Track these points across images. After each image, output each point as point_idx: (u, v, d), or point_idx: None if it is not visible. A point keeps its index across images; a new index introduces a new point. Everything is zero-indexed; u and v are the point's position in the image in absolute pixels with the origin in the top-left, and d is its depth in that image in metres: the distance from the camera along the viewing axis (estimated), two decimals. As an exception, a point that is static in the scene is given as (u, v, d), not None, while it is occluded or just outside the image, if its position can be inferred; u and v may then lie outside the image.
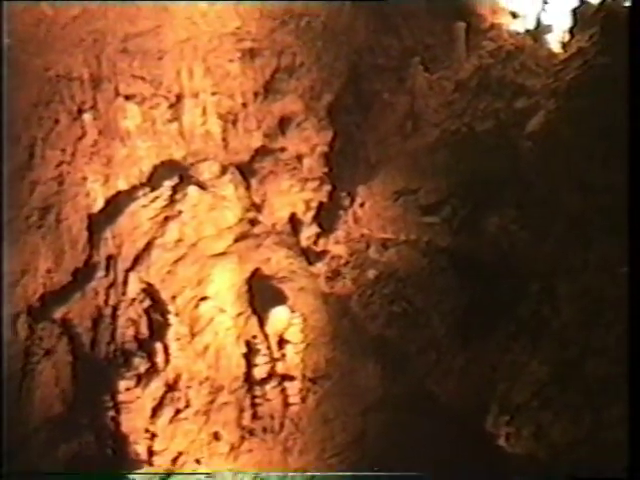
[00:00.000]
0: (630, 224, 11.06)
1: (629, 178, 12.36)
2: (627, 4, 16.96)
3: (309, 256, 18.14)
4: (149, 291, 17.56)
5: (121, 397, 16.70)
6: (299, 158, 18.76)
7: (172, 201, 17.71)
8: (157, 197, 17.70)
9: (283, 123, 18.78)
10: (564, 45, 17.53)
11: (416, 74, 18.19)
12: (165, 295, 17.39)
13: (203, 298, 17.51)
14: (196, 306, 17.47)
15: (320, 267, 17.89)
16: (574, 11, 17.38)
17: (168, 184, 17.80)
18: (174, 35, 17.73)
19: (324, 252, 18.07)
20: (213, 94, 18.27)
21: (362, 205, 17.74)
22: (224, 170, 18.27)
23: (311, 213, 18.60)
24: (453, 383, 15.44)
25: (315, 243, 18.25)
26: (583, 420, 12.40)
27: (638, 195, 11.67)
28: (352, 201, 18.05)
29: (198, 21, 17.77)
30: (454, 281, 15.92)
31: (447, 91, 17.92)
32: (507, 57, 17.89)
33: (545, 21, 18.74)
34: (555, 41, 18.20)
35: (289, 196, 18.48)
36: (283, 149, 18.76)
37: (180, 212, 17.70)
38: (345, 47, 18.92)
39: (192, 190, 17.72)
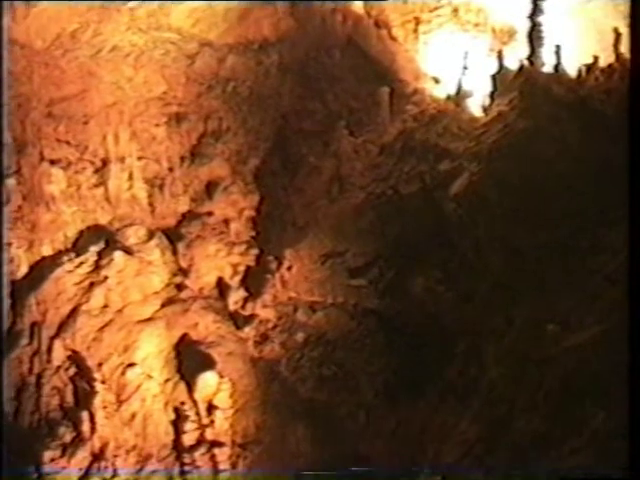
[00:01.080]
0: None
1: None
2: (545, 69, 17.85)
3: (237, 320, 18.18)
4: (74, 358, 17.35)
5: (46, 468, 16.38)
6: (226, 222, 18.92)
7: (98, 266, 17.67)
8: (82, 263, 17.65)
9: (210, 187, 18.98)
10: (485, 109, 18.19)
11: (341, 138, 18.60)
12: (91, 362, 17.21)
13: (130, 365, 17.40)
14: (123, 373, 17.32)
15: (248, 331, 17.93)
16: (494, 76, 18.12)
17: (94, 249, 17.79)
18: (100, 100, 17.89)
19: (252, 316, 18.11)
20: (139, 158, 18.42)
21: (290, 268, 17.89)
22: (151, 235, 18.33)
23: (238, 277, 18.68)
24: (383, 445, 15.53)
25: (243, 307, 18.30)
26: (513, 478, 12.60)
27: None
28: (279, 264, 18.14)
29: (124, 86, 17.98)
30: (382, 343, 16.13)
31: (372, 154, 18.33)
32: (430, 121, 18.42)
33: (466, 86, 19.38)
34: (476, 105, 18.81)
35: (216, 260, 18.57)
36: (210, 213, 18.91)
37: (106, 278, 17.65)
38: (271, 111, 19.27)
39: (118, 255, 17.73)
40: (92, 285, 17.57)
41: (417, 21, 20.89)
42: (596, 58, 17.90)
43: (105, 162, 18.23)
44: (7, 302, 17.38)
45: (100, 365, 17.26)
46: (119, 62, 17.78)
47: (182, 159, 18.86)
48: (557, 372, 12.02)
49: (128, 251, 17.98)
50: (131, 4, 17.72)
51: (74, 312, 17.50)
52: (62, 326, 17.41)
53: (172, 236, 18.62)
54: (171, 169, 18.76)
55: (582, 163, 14.99)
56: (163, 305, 17.93)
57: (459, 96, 19.29)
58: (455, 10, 20.96)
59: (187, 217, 18.88)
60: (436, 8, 20.81)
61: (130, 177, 18.33)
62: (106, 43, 17.54)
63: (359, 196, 17.89)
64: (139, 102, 18.30)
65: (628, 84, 14.64)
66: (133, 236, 18.21)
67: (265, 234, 19.02)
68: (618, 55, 17.90)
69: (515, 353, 13.55)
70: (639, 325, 10.05)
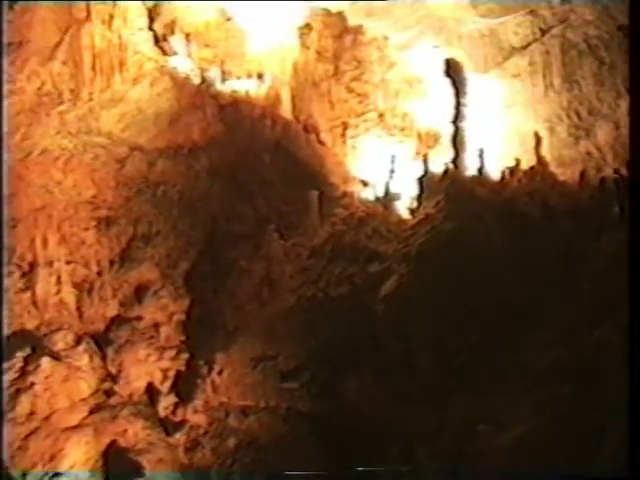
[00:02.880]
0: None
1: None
2: (469, 172, 18.61)
3: (167, 426, 17.96)
4: (-3, 469, 17.00)
5: None
6: (156, 326, 18.89)
7: (24, 373, 17.41)
8: (8, 369, 17.41)
9: (139, 291, 19.01)
10: (412, 212, 18.79)
11: (271, 241, 18.92)
12: (15, 472, 16.87)
13: (56, 474, 17.06)
14: (48, 483, 17.01)
15: (179, 437, 17.73)
16: (420, 179, 18.80)
17: (20, 355, 17.53)
18: (28, 203, 17.97)
19: (183, 422, 17.92)
20: (68, 262, 18.40)
21: (220, 373, 17.88)
22: (79, 340, 18.16)
23: (169, 382, 18.54)
24: None
25: (173, 413, 18.12)
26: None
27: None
28: (210, 369, 18.08)
29: (53, 189, 18.12)
30: (316, 447, 16.15)
31: (302, 257, 18.66)
32: (359, 223, 18.88)
33: (394, 189, 20.03)
34: (404, 208, 19.42)
35: (146, 365, 18.45)
36: (139, 318, 18.86)
37: (32, 384, 17.41)
38: (201, 215, 19.55)
39: (45, 361, 17.52)
40: (18, 392, 17.27)
41: (345, 126, 21.68)
42: (518, 161, 18.79)
43: (33, 266, 18.21)
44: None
45: (24, 475, 16.85)
46: (48, 165, 17.98)
47: (111, 263, 18.92)
48: (491, 470, 12.29)
49: (56, 357, 17.77)
50: (60, 108, 18.06)
51: (-1, 420, 17.20)
52: (-15, 436, 17.07)
53: (101, 341, 18.50)
54: (100, 273, 18.79)
55: (508, 262, 15.58)
56: (91, 412, 17.65)
57: (387, 199, 19.90)
58: (381, 115, 21.83)
59: (116, 322, 18.79)
60: (363, 113, 21.62)
61: (58, 281, 18.28)
62: (36, 146, 17.77)
63: (289, 299, 18.10)
64: (68, 206, 18.44)
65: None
66: (61, 341, 18.04)
67: (195, 338, 18.98)
68: (539, 158, 18.86)
69: (448, 454, 13.78)
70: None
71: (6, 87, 17.07)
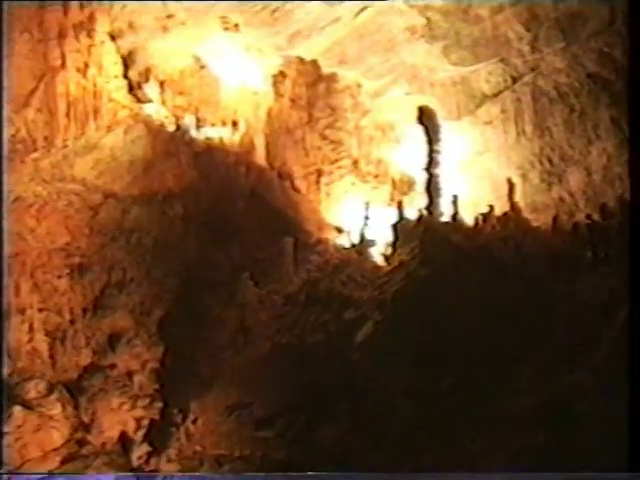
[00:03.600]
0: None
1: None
2: (443, 219, 18.81)
3: (141, 476, 17.86)
4: (-34, 526, 16.74)
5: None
6: (129, 375, 18.81)
7: (-5, 422, 17.34)
8: (-21, 419, 17.32)
9: (113, 339, 18.96)
10: (387, 258, 18.92)
11: (246, 288, 18.99)
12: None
13: (49, 478, 16.93)
14: (17, 536, 16.78)
15: (152, 487, 17.65)
16: (394, 226, 18.96)
17: (-10, 404, 17.49)
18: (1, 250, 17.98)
19: (156, 471, 17.83)
20: (40, 310, 18.36)
21: (195, 421, 17.78)
22: (51, 388, 18.05)
23: (142, 431, 18.41)
24: None
25: (147, 462, 17.98)
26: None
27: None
28: (184, 418, 17.98)
29: (27, 236, 18.11)
30: (290, 495, 16.08)
31: (277, 304, 18.71)
32: (334, 270, 19.01)
33: (368, 235, 20.18)
34: (379, 254, 19.55)
35: (119, 414, 18.33)
36: (113, 366, 18.79)
37: (4, 434, 17.27)
38: (175, 262, 19.60)
39: (17, 410, 17.41)
40: (-11, 441, 17.18)
41: (319, 173, 21.92)
42: (492, 207, 18.99)
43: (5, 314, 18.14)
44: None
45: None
46: (22, 212, 17.99)
47: (84, 310, 18.87)
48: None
49: (27, 406, 17.64)
50: (34, 155, 18.11)
51: (-34, 472, 16.99)
52: (-48, 488, 16.85)
53: (73, 390, 18.37)
54: (73, 321, 18.72)
55: (482, 308, 15.67)
56: (63, 462, 17.51)
57: (362, 245, 20.10)
58: (355, 162, 22.11)
59: (89, 370, 18.69)
60: (337, 160, 21.87)
61: (31, 329, 18.19)
62: (9, 194, 17.75)
63: (264, 346, 18.08)
64: (42, 253, 18.42)
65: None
66: (33, 390, 17.90)
67: (169, 386, 18.92)
68: (512, 204, 19.08)
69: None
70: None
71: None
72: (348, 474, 14.67)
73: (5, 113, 17.14)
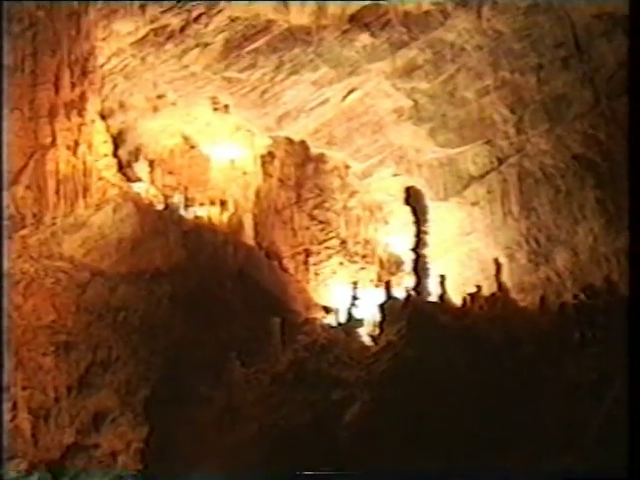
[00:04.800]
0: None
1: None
2: (431, 299, 18.91)
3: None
4: None
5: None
6: (113, 455, 18.54)
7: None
8: (-43, 498, 16.98)
9: (97, 418, 18.71)
10: (375, 338, 18.94)
11: (233, 368, 18.87)
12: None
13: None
14: None
15: None
16: (382, 306, 19.03)
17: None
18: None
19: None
20: (24, 388, 18.13)
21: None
22: (32, 468, 17.79)
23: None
24: None
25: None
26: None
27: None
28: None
29: (12, 314, 17.95)
30: None
31: (264, 384, 18.58)
32: (322, 350, 18.97)
33: (356, 315, 20.23)
34: (366, 334, 19.57)
35: (101, 492, 18.13)
36: (97, 445, 18.50)
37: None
38: (162, 341, 19.49)
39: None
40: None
41: (307, 253, 22.06)
42: (479, 287, 19.13)
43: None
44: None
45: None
46: (8, 289, 17.90)
47: (69, 389, 18.66)
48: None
49: (9, 487, 17.42)
50: (22, 232, 18.17)
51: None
52: None
53: (55, 470, 18.10)
54: (57, 399, 18.48)
55: (470, 388, 15.67)
56: None
57: (349, 325, 20.14)
58: (343, 242, 22.26)
59: (72, 449, 18.43)
60: (325, 240, 22.03)
61: (14, 407, 17.96)
62: (-5, 271, 17.80)
63: (251, 427, 17.88)
64: (27, 330, 18.30)
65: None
66: (13, 470, 17.62)
67: (154, 467, 18.65)
68: (500, 284, 19.23)
69: None
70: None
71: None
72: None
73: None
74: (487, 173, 20.61)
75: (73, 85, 18.49)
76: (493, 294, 19.09)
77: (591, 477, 11.79)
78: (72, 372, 18.81)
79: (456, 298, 19.30)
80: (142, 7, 18.27)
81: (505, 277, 19.83)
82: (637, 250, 12.25)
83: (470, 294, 19.05)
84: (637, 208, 12.87)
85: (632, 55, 15.45)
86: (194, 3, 18.38)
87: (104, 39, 18.98)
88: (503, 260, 20.23)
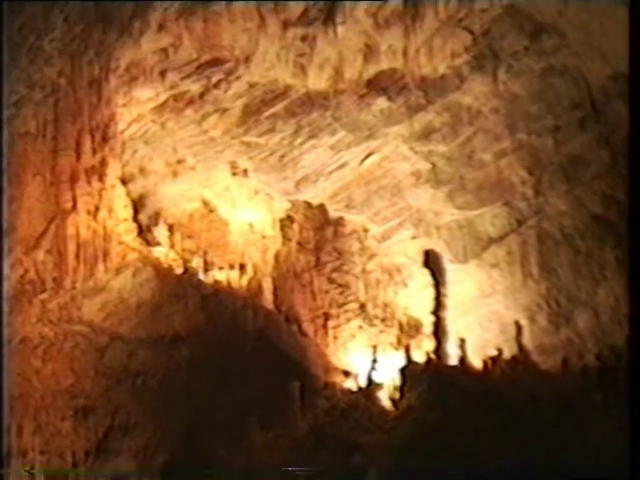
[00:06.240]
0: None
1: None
2: (451, 362, 18.77)
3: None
4: None
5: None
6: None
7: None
8: None
9: (115, 482, 18.66)
10: (395, 402, 18.81)
11: (252, 432, 18.74)
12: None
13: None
14: None
15: None
16: (402, 370, 18.92)
17: None
18: (5, 391, 17.76)
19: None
20: (42, 453, 18.03)
21: None
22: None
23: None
24: None
25: None
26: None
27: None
28: None
29: (31, 377, 17.88)
30: None
31: (283, 449, 18.46)
32: (341, 415, 18.88)
33: (376, 379, 20.09)
34: (386, 399, 19.42)
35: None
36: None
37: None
38: (181, 405, 19.37)
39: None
40: None
41: (326, 316, 21.95)
42: (500, 350, 19.01)
43: (6, 456, 17.82)
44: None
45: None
46: (27, 353, 17.98)
47: (87, 454, 18.52)
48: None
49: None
50: (42, 296, 18.25)
51: None
52: None
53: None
54: (75, 464, 18.38)
55: (492, 453, 15.51)
56: None
57: (369, 389, 19.98)
58: (363, 305, 22.15)
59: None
60: (344, 304, 21.95)
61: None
62: (15, 334, 17.79)
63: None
64: (46, 394, 18.25)
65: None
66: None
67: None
68: (521, 346, 19.11)
69: None
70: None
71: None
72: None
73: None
74: (506, 235, 20.66)
75: (94, 151, 18.65)
76: (514, 357, 18.99)
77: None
78: (90, 437, 18.69)
79: (477, 361, 19.21)
80: (162, 74, 18.51)
81: (526, 339, 19.73)
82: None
83: (491, 357, 18.99)
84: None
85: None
86: (213, 69, 18.59)
87: (125, 105, 19.21)
88: (524, 322, 20.15)
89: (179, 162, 21.71)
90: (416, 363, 19.32)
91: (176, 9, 16.91)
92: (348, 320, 22.18)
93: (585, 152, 19.06)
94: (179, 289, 20.91)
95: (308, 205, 22.58)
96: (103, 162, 18.82)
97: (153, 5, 16.83)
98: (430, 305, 21.45)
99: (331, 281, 22.49)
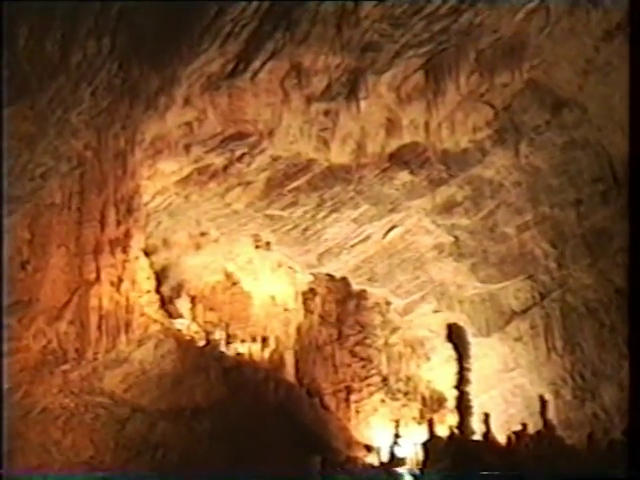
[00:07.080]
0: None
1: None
2: (475, 437, 18.53)
3: None
4: None
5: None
6: None
7: None
8: None
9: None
10: (417, 478, 18.52)
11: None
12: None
13: None
14: None
15: None
16: (425, 444, 18.67)
17: None
18: (25, 461, 17.37)
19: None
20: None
21: None
22: None
23: None
24: None
25: None
26: None
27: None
28: None
29: (51, 448, 17.92)
30: None
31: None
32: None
33: (398, 454, 19.85)
34: (409, 474, 19.15)
35: None
36: None
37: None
38: (201, 479, 19.18)
39: None
40: None
41: (348, 390, 21.84)
42: (525, 425, 18.72)
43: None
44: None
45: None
46: (48, 424, 17.91)
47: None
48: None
49: None
50: (64, 367, 18.25)
51: None
52: None
53: None
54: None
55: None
56: None
57: (392, 464, 19.74)
58: (385, 379, 22.04)
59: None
60: (366, 377, 21.84)
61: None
62: (36, 405, 17.76)
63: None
64: (65, 465, 18.12)
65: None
66: None
67: None
68: (545, 421, 18.81)
69: None
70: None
71: (11, 344, 17.21)
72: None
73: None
74: (529, 308, 20.61)
75: (118, 223, 18.76)
76: (539, 432, 18.66)
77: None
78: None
79: (501, 436, 18.91)
80: (186, 147, 18.70)
81: (551, 414, 19.44)
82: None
83: (515, 432, 18.67)
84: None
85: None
86: (237, 143, 18.80)
87: (149, 178, 19.42)
88: (548, 396, 19.92)
89: (202, 234, 21.89)
90: (439, 437, 19.03)
91: (201, 84, 17.10)
92: (370, 394, 22.05)
93: (608, 225, 19.06)
94: (201, 361, 20.86)
95: (330, 278, 22.66)
96: (127, 234, 18.91)
97: (179, 81, 17.10)
98: (453, 379, 21.28)
99: (353, 354, 22.42)
